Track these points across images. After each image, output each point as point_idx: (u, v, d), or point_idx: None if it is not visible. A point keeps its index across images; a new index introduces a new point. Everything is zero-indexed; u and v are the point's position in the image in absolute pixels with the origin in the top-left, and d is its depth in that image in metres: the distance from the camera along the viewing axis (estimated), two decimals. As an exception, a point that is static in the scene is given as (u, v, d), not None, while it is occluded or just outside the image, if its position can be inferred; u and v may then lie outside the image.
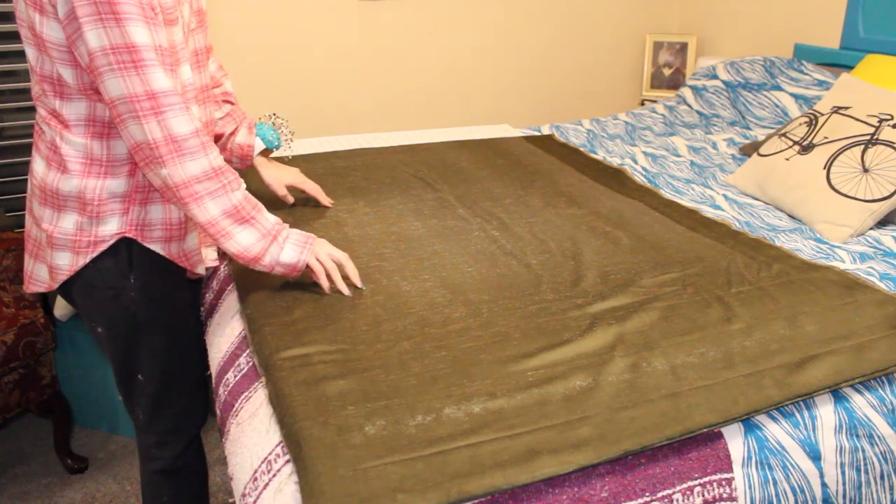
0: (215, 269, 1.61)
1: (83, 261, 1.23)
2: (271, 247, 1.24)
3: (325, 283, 1.31)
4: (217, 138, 1.55)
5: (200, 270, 1.38)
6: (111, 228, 1.22)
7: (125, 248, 1.25)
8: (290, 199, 1.70)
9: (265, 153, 1.63)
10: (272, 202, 1.68)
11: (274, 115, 1.64)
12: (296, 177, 1.69)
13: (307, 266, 1.28)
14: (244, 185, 1.23)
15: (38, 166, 1.22)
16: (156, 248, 1.27)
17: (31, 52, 1.16)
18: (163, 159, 1.11)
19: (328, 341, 1.16)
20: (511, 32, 3.25)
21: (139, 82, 1.08)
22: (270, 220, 1.25)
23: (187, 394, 1.43)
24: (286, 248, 1.25)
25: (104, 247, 1.23)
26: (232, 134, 1.55)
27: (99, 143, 1.18)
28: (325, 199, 1.74)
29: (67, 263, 1.24)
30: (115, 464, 2.21)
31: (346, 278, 1.33)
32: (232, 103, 1.56)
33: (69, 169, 1.18)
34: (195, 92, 1.30)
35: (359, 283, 1.33)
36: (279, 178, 1.66)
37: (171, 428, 1.43)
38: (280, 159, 1.94)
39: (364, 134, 2.52)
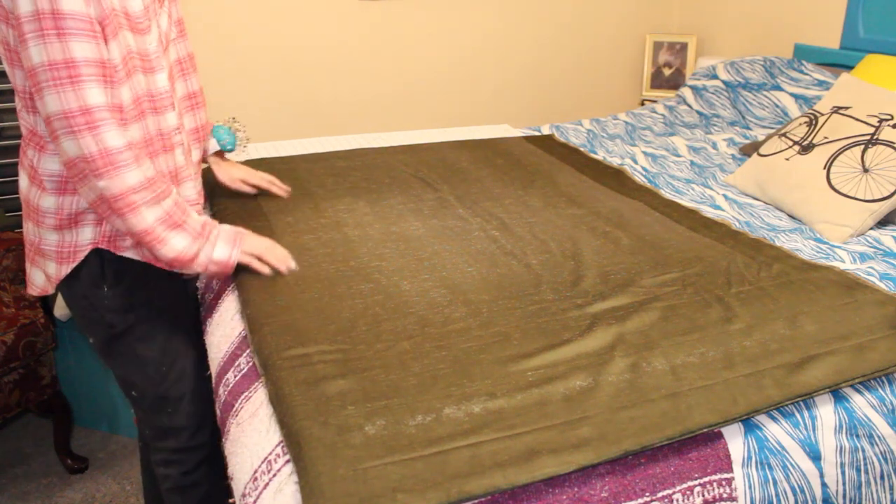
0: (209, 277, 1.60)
1: (66, 270, 1.26)
2: (205, 246, 1.27)
3: (264, 270, 1.36)
4: None
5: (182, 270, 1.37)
6: (86, 238, 1.25)
7: (97, 258, 1.27)
8: (250, 190, 1.74)
9: (219, 154, 1.68)
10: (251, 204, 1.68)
11: (233, 118, 1.70)
12: (245, 172, 1.74)
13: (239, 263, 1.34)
14: (175, 192, 1.25)
15: (23, 181, 1.26)
16: (130, 254, 1.28)
17: (7, 68, 1.18)
18: (99, 172, 1.12)
19: (328, 341, 1.16)
20: (511, 32, 3.25)
21: (74, 98, 1.09)
22: (199, 220, 1.28)
23: (186, 412, 1.40)
24: (217, 245, 1.29)
25: (81, 256, 1.25)
26: None
27: None
28: (278, 190, 1.75)
29: (54, 272, 1.27)
30: (115, 464, 2.21)
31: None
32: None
33: (46, 188, 1.22)
34: (177, 100, 1.31)
35: (283, 269, 1.38)
36: (231, 175, 1.71)
37: (177, 447, 1.41)
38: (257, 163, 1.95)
39: (364, 134, 2.52)
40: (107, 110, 1.12)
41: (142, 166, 1.17)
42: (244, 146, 1.74)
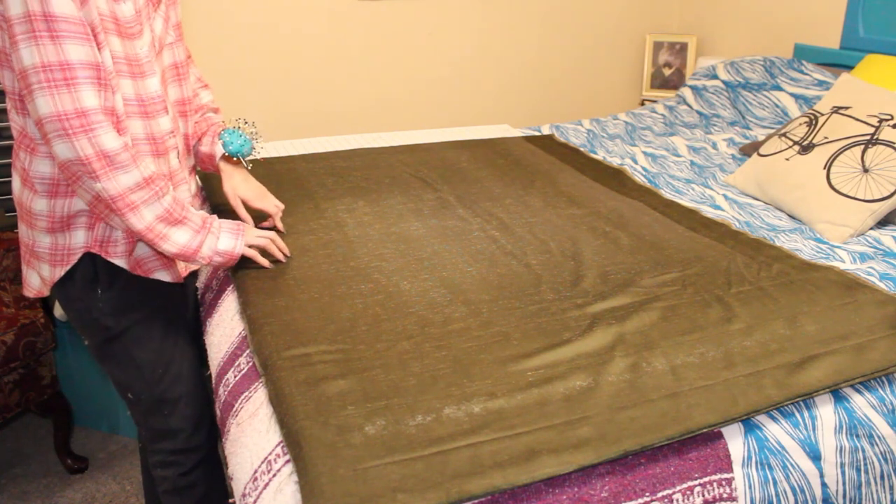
0: (214, 270, 1.60)
1: (59, 272, 1.26)
2: (207, 239, 1.28)
3: (265, 263, 1.40)
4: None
5: (161, 276, 1.35)
6: (78, 241, 1.25)
7: (90, 261, 1.27)
8: (247, 218, 1.50)
9: (230, 160, 1.52)
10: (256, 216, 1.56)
11: (240, 119, 1.56)
12: (251, 192, 1.53)
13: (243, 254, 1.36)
14: (172, 190, 1.25)
15: (16, 183, 1.26)
16: (119, 262, 1.28)
17: None
18: (97, 174, 1.12)
19: (328, 341, 1.16)
20: (511, 32, 3.25)
21: (69, 100, 1.08)
22: (198, 214, 1.29)
23: (183, 414, 1.40)
24: (221, 237, 1.31)
25: (75, 259, 1.26)
26: (198, 144, 1.50)
27: None
28: (278, 223, 1.57)
29: (48, 274, 1.27)
30: (115, 464, 2.21)
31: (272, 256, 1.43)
32: (215, 111, 1.55)
33: (38, 191, 1.21)
34: (172, 105, 1.30)
35: (283, 258, 1.43)
36: (234, 188, 1.51)
37: (174, 449, 1.41)
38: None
39: (364, 134, 2.52)
40: (102, 113, 1.12)
41: (139, 167, 1.17)
42: (259, 150, 1.55)
